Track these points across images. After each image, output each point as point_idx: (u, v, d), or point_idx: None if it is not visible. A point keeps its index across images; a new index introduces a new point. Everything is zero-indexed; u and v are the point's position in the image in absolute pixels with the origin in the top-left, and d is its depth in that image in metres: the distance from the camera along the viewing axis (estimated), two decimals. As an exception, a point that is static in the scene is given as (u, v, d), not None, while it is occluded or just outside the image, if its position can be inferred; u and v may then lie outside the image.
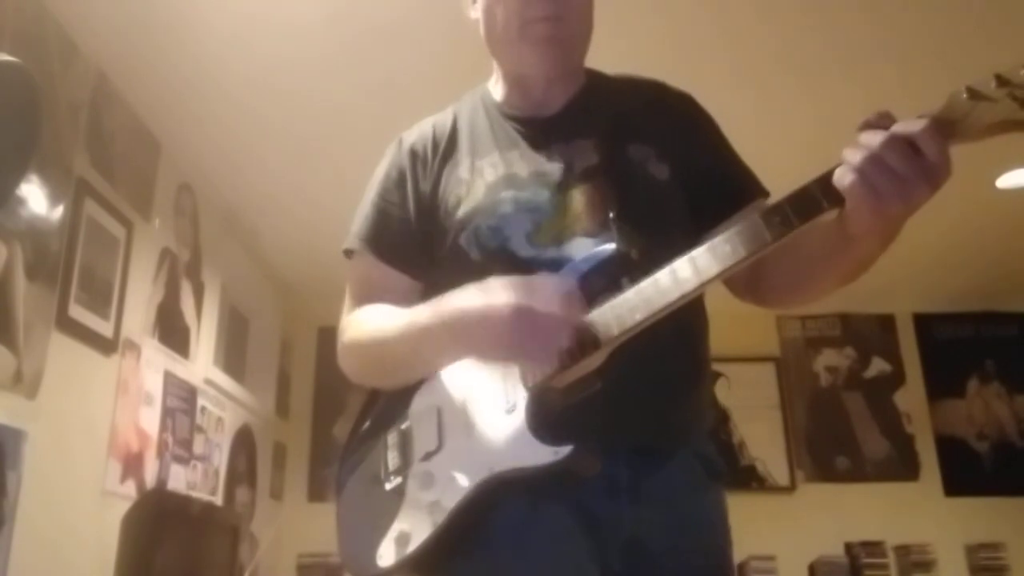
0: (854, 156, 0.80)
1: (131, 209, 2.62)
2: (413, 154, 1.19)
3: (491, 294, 0.92)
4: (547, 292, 0.90)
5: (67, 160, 2.26)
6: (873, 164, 0.79)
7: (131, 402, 2.57)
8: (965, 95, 0.77)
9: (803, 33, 2.44)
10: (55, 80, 2.21)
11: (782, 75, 2.63)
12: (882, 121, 0.81)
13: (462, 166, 1.15)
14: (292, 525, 4.01)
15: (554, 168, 1.10)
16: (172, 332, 2.92)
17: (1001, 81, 0.75)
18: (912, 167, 0.78)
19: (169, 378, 2.86)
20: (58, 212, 2.20)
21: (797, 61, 2.57)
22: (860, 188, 0.79)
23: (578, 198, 1.07)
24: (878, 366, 4.65)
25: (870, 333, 4.71)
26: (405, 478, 1.03)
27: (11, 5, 2.03)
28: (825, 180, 0.83)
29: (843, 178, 0.81)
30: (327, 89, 2.64)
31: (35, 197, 2.10)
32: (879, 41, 2.47)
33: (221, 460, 3.37)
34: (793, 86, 2.68)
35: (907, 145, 0.78)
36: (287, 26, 2.35)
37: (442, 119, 1.23)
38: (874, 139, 0.79)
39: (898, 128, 0.79)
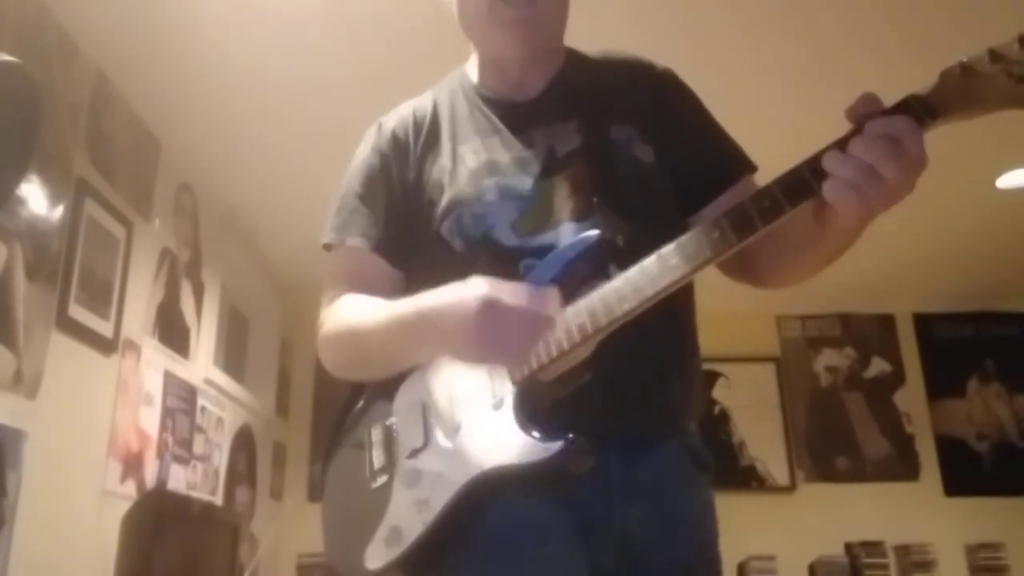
0: (846, 168, 0.77)
1: (131, 209, 2.62)
2: (394, 140, 1.16)
3: (466, 290, 0.89)
4: (520, 289, 0.88)
5: (67, 160, 2.26)
6: (867, 175, 0.77)
7: (131, 402, 2.56)
8: (958, 71, 0.75)
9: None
10: (55, 80, 2.21)
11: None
12: (869, 106, 0.79)
13: (443, 153, 1.12)
14: (292, 525, 4.01)
15: (536, 153, 1.08)
16: (172, 332, 2.92)
17: (995, 56, 0.73)
18: (898, 167, 0.76)
19: (169, 378, 2.86)
20: (58, 212, 2.20)
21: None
22: (855, 200, 0.78)
23: (562, 184, 1.05)
24: (878, 366, 4.65)
25: (870, 333, 4.71)
26: (391, 476, 1.00)
27: (11, 5, 2.03)
28: (815, 162, 0.80)
29: (837, 191, 0.78)
30: (328, 89, 2.64)
31: (35, 197, 2.10)
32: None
33: (221, 460, 3.37)
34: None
35: (896, 149, 0.76)
36: (289, 26, 2.35)
37: (421, 103, 1.20)
38: (866, 150, 0.77)
39: (884, 129, 0.77)
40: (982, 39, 0.76)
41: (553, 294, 0.89)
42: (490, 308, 0.86)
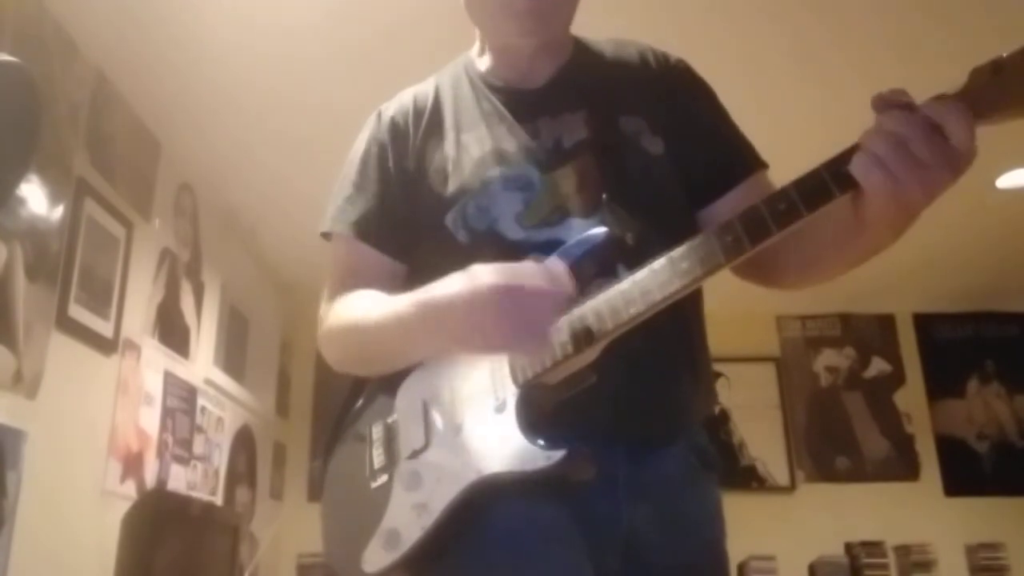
0: (876, 142, 0.73)
1: (131, 209, 2.62)
2: (394, 127, 1.13)
3: (475, 279, 0.85)
4: (533, 271, 0.85)
5: (67, 160, 2.26)
6: (896, 151, 0.72)
7: (131, 402, 2.56)
8: (990, 70, 0.70)
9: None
10: (55, 80, 2.21)
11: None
12: (897, 98, 0.74)
13: (447, 141, 1.09)
14: (292, 525, 4.01)
15: (543, 144, 1.05)
16: (172, 332, 2.92)
17: None
18: (936, 153, 0.71)
19: (169, 378, 2.85)
20: (58, 212, 2.20)
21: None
22: (880, 176, 0.73)
23: (569, 176, 1.02)
24: (878, 366, 4.66)
25: (870, 333, 4.71)
26: (391, 477, 0.98)
27: (11, 5, 2.03)
28: (835, 165, 0.76)
29: (862, 166, 0.74)
30: (327, 89, 2.64)
31: (35, 197, 2.10)
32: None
33: (221, 460, 3.37)
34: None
35: (934, 130, 0.71)
36: (287, 26, 2.35)
37: (423, 90, 1.17)
38: (899, 123, 0.72)
39: (927, 111, 0.71)
40: (1014, 34, 0.73)
41: (562, 269, 0.86)
42: (509, 294, 0.83)
